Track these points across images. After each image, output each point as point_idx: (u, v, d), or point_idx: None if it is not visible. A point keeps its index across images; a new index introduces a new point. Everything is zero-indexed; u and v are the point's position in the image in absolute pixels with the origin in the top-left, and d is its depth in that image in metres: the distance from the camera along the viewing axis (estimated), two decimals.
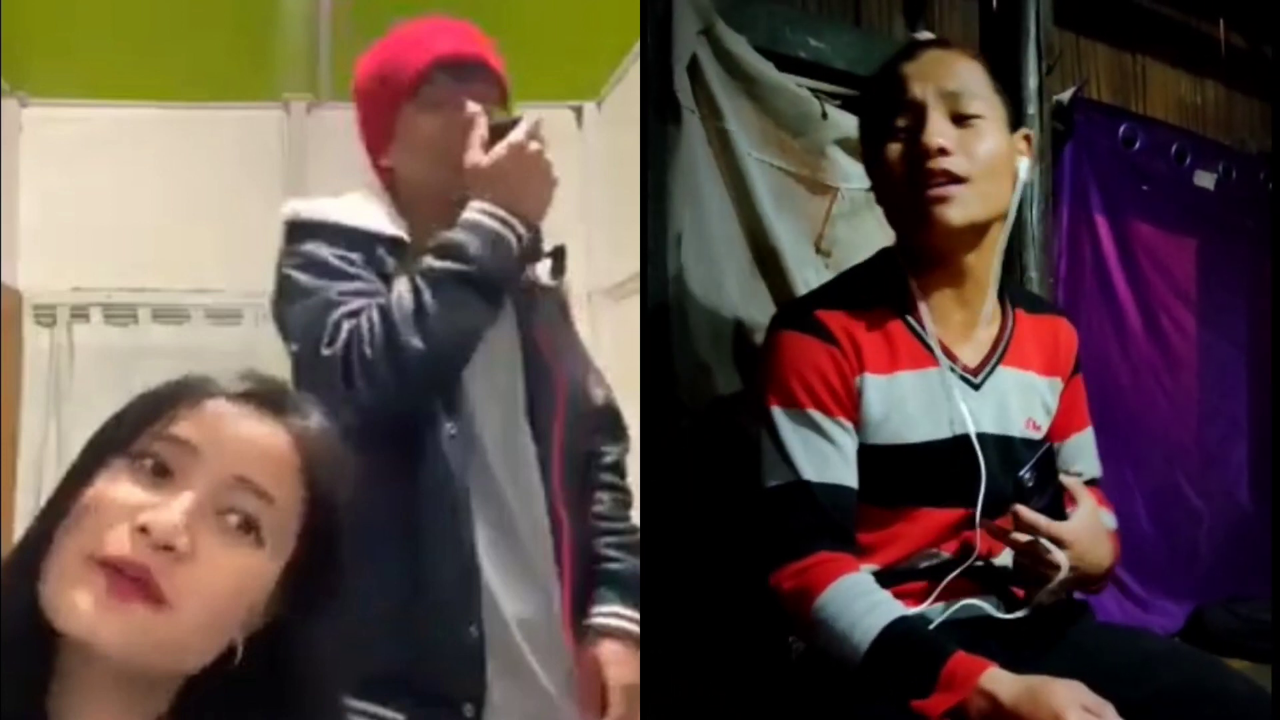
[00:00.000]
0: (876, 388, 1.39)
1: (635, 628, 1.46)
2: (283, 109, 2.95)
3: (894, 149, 1.40)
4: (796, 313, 1.45)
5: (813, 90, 2.05)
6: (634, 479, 1.59)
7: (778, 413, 1.39)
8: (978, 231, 1.40)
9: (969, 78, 1.41)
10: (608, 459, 1.55)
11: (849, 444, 1.39)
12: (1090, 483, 1.55)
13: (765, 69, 1.96)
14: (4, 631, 0.77)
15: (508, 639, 1.36)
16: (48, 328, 2.83)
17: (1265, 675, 1.47)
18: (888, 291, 1.44)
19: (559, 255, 1.47)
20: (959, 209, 1.36)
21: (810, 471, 1.37)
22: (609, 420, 1.57)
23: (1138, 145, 2.79)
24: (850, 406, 1.39)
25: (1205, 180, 2.96)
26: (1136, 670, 1.28)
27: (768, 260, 1.99)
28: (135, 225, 2.80)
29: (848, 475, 1.39)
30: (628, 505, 1.55)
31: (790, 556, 1.34)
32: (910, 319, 1.43)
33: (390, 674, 1.29)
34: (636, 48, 1.88)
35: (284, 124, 2.94)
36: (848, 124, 2.04)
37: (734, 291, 1.94)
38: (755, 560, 1.38)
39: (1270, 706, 1.30)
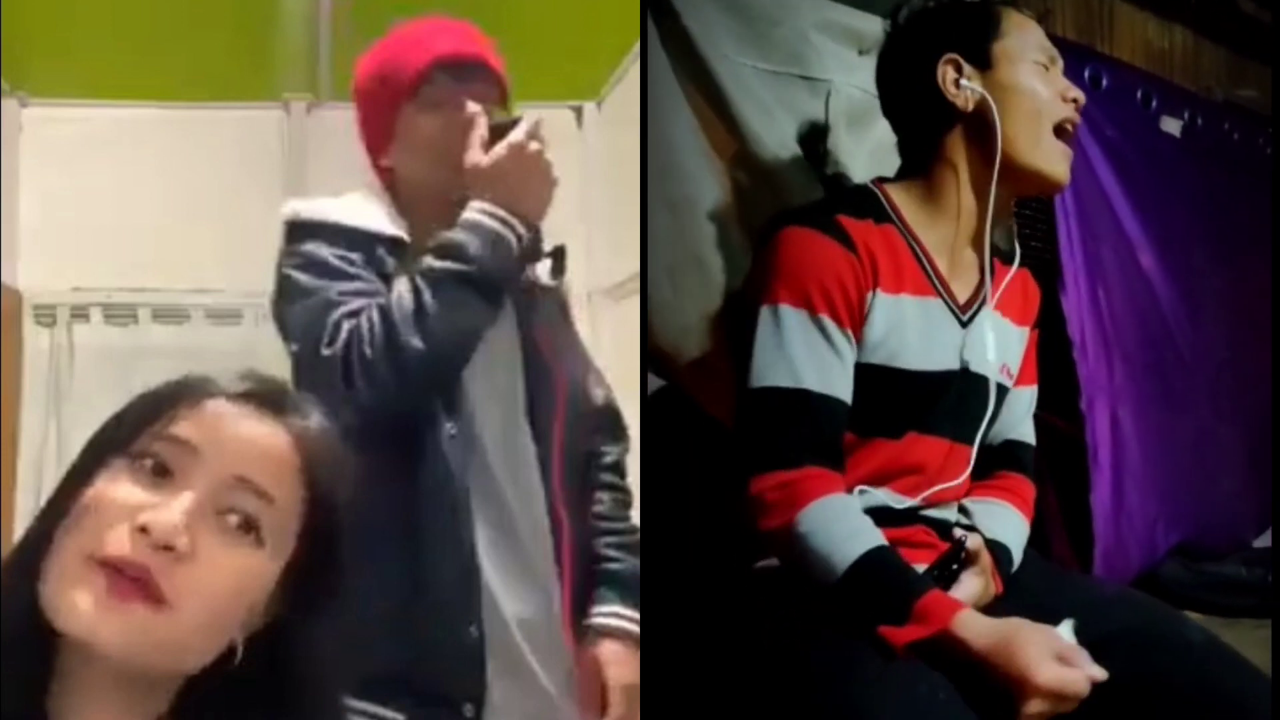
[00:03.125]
0: (884, 306, 1.37)
1: (635, 628, 1.45)
2: (283, 109, 2.96)
3: (1039, 76, 1.41)
4: (817, 213, 1.40)
5: None
6: (634, 479, 1.59)
7: (787, 312, 1.34)
8: None
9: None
10: (608, 459, 1.55)
11: (851, 359, 1.36)
12: (1021, 449, 1.56)
13: None
14: (4, 631, 0.77)
15: (508, 639, 1.36)
16: (48, 328, 2.83)
17: (1218, 627, 1.46)
18: (894, 215, 1.43)
19: (559, 255, 1.47)
20: (1069, 170, 1.40)
21: (813, 380, 1.32)
22: (609, 420, 1.57)
23: (1104, 87, 2.75)
24: (859, 320, 1.36)
25: (1171, 126, 2.91)
26: (1089, 614, 1.25)
27: (758, 173, 1.80)
28: (135, 225, 2.81)
29: (846, 390, 1.35)
30: (628, 505, 1.55)
31: (778, 465, 1.30)
32: (916, 245, 1.42)
33: (390, 674, 1.29)
34: (636, 48, 1.87)
35: (284, 124, 2.95)
36: (824, 6, 1.89)
37: (695, 219, 1.74)
38: (738, 460, 1.34)
39: (1225, 656, 1.29)
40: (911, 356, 1.39)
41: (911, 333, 1.39)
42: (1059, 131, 1.40)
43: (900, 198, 1.45)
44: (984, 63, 1.42)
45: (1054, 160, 1.40)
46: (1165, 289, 2.88)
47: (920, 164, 1.47)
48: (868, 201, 1.44)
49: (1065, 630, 1.22)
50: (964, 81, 1.41)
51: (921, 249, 1.42)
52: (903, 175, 1.50)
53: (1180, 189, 2.95)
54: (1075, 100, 1.41)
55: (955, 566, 1.35)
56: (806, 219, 1.38)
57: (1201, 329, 2.98)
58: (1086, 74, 2.70)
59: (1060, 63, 1.45)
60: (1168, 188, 2.90)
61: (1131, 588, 1.54)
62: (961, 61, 1.42)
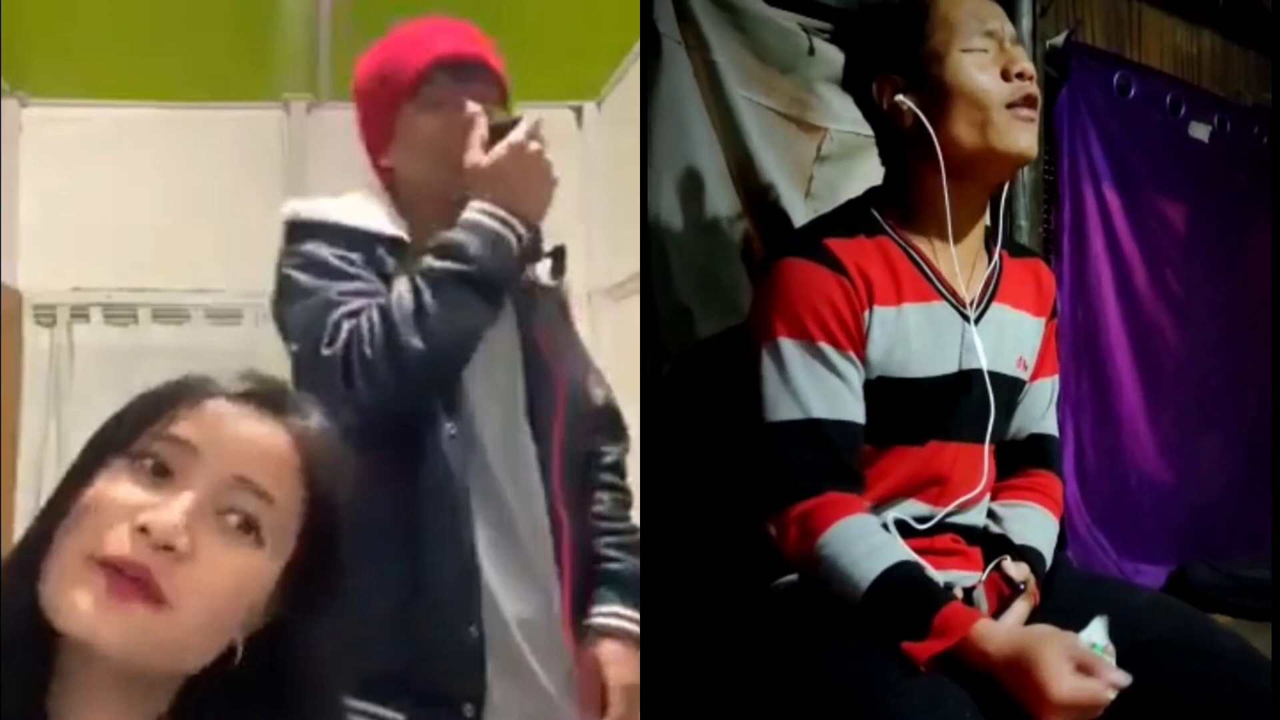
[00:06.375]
0: (883, 321, 1.37)
1: (635, 628, 1.46)
2: (283, 109, 2.95)
3: (974, 65, 1.37)
4: (804, 241, 1.42)
5: (801, 25, 1.99)
6: (634, 479, 1.59)
7: (786, 344, 1.36)
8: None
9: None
10: (608, 459, 1.55)
11: (857, 379, 1.37)
12: (1047, 443, 1.55)
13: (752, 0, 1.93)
14: (4, 631, 0.77)
15: (508, 639, 1.36)
16: (48, 328, 2.83)
17: (1247, 631, 1.46)
18: (886, 224, 1.43)
19: (559, 255, 1.47)
20: (1033, 140, 1.38)
21: (820, 408, 1.34)
22: (609, 420, 1.57)
23: (1132, 94, 2.75)
24: (859, 341, 1.37)
25: (1200, 132, 2.92)
26: (1122, 622, 1.26)
27: (756, 199, 1.93)
28: (135, 225, 2.80)
29: (856, 412, 1.36)
30: (628, 505, 1.55)
31: (797, 496, 1.32)
32: (912, 251, 1.42)
33: (390, 674, 1.29)
34: (636, 48, 1.88)
35: (284, 124, 2.94)
36: (837, 60, 1.98)
37: (721, 230, 1.90)
38: (757, 496, 1.36)
39: (1257, 661, 1.29)
40: (920, 364, 1.39)
41: (917, 340, 1.39)
42: (1011, 107, 1.38)
43: (890, 206, 1.45)
44: (915, 71, 1.41)
45: (1008, 137, 1.37)
46: (1156, 303, 2.87)
47: (898, 172, 1.48)
48: (858, 217, 1.45)
49: (1096, 628, 1.22)
50: (898, 98, 1.41)
51: (919, 254, 1.43)
52: (888, 183, 1.51)
53: (1208, 194, 2.95)
54: (1022, 73, 1.38)
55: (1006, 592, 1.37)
56: (795, 248, 1.40)
57: (1198, 338, 2.98)
58: (1115, 81, 2.70)
59: (1007, 29, 1.42)
60: (1195, 194, 2.90)
61: (1164, 594, 1.54)
62: (895, 77, 1.42)
